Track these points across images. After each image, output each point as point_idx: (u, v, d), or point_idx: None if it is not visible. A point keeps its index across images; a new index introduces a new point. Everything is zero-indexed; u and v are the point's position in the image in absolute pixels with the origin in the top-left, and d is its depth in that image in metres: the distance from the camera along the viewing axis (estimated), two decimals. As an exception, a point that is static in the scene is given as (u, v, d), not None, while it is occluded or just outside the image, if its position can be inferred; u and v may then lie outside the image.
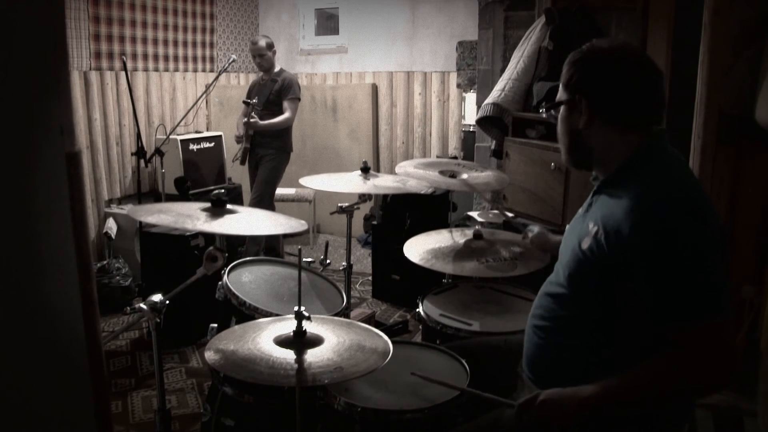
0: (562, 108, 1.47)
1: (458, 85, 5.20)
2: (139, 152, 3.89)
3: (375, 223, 4.40)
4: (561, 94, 1.47)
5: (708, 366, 1.22)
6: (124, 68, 4.01)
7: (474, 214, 3.71)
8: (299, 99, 4.50)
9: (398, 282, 4.00)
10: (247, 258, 2.35)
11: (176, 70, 5.20)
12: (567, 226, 1.59)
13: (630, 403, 1.30)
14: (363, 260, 4.88)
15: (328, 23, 5.93)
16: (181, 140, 4.63)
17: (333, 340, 1.51)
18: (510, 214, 3.05)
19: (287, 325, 1.54)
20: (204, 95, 4.66)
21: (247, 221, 1.95)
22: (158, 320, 1.69)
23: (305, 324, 1.50)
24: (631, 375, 1.27)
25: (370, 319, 3.47)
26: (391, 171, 4.82)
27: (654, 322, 1.26)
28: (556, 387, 1.37)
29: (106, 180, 4.60)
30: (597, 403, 1.28)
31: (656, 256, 1.23)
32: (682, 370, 1.23)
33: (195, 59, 5.40)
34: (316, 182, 2.52)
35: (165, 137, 4.14)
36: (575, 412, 1.30)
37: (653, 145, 1.38)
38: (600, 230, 1.33)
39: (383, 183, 2.54)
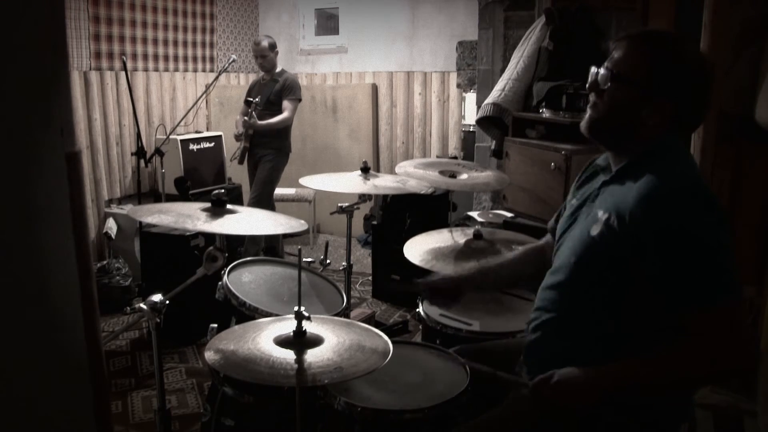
0: (624, 86, 1.35)
1: (458, 85, 5.20)
2: (139, 152, 3.89)
3: (375, 223, 4.40)
4: (634, 72, 1.34)
5: (725, 349, 1.22)
6: (124, 68, 4.01)
7: (474, 214, 3.71)
8: (300, 100, 4.50)
9: (398, 282, 4.00)
10: (247, 258, 2.35)
11: (176, 70, 5.20)
12: (561, 219, 1.59)
13: (645, 389, 1.30)
14: (363, 260, 4.88)
15: (328, 23, 5.93)
16: (181, 140, 4.63)
17: (333, 340, 1.51)
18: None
19: (287, 325, 1.54)
20: (204, 95, 4.66)
21: (247, 221, 1.95)
22: (158, 320, 1.69)
23: (305, 324, 1.50)
24: (648, 360, 1.27)
25: (370, 319, 3.47)
26: (391, 171, 4.82)
27: (668, 308, 1.26)
28: None
29: (106, 180, 4.60)
30: (612, 386, 1.28)
31: (670, 242, 1.24)
32: (698, 355, 1.24)
33: (195, 59, 5.40)
34: (316, 182, 2.52)
35: (165, 137, 4.14)
36: (589, 394, 1.30)
37: (669, 139, 1.38)
38: (612, 216, 1.33)
39: (383, 183, 2.54)
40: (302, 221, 1.98)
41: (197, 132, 5.05)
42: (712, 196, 1.31)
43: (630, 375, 1.28)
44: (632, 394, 1.32)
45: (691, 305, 1.24)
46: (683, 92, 1.34)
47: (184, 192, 3.74)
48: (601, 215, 1.37)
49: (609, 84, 1.37)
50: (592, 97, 1.43)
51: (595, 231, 1.36)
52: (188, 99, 5.29)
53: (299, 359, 1.41)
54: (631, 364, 1.28)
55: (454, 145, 5.33)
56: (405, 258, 2.20)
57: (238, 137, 4.44)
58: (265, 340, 1.50)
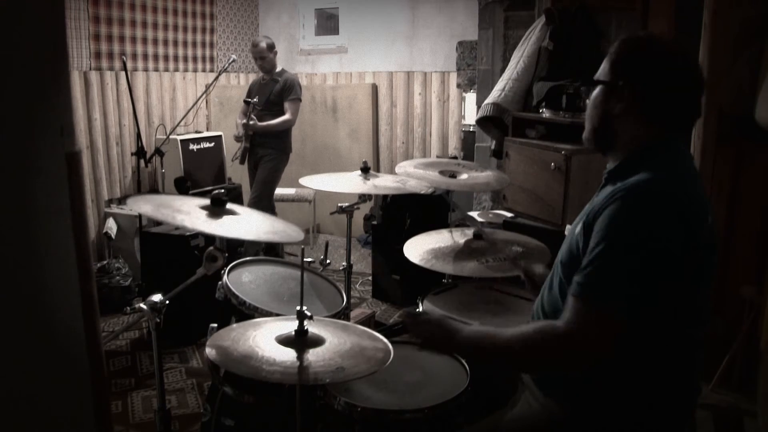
0: (599, 87, 1.41)
1: (458, 85, 5.20)
2: (139, 152, 3.89)
3: (375, 223, 4.40)
4: (604, 74, 1.40)
5: (586, 348, 1.22)
6: (124, 68, 4.01)
7: (474, 214, 3.71)
8: (300, 100, 4.50)
9: (398, 282, 4.00)
10: (247, 258, 2.35)
11: (176, 70, 5.20)
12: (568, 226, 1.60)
13: (499, 358, 1.34)
14: (363, 260, 4.88)
15: (328, 23, 5.93)
16: (181, 140, 4.63)
17: (333, 341, 1.51)
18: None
19: (287, 325, 1.54)
20: (204, 95, 4.66)
21: (245, 224, 1.94)
22: (158, 320, 1.69)
23: (306, 324, 1.50)
24: (510, 332, 1.30)
25: (370, 319, 3.47)
26: (391, 171, 4.82)
27: (566, 281, 1.29)
28: (557, 384, 1.37)
29: (106, 180, 4.60)
30: (468, 347, 1.36)
31: (607, 228, 1.23)
32: (561, 342, 1.23)
33: (195, 59, 5.40)
34: (316, 182, 2.51)
35: (165, 137, 4.14)
36: (447, 344, 1.41)
37: (666, 142, 1.36)
38: (588, 217, 1.33)
39: (383, 183, 2.54)
40: (299, 229, 1.97)
41: (197, 132, 5.05)
42: (691, 205, 1.26)
43: (486, 342, 1.33)
44: (485, 359, 1.40)
45: (581, 293, 1.23)
46: (642, 76, 1.35)
47: (184, 192, 3.75)
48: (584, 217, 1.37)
49: (591, 92, 1.44)
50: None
51: (577, 229, 1.38)
52: (188, 99, 5.29)
53: (300, 358, 1.41)
54: (490, 332, 1.33)
55: (454, 145, 5.33)
56: (405, 258, 2.20)
57: (238, 138, 4.44)
58: (265, 339, 1.50)
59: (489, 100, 3.45)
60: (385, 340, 1.56)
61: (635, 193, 1.25)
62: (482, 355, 1.37)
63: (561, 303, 1.43)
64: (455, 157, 4.84)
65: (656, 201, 1.23)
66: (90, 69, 4.40)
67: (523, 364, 1.37)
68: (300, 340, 1.48)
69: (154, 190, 4.86)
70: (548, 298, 1.48)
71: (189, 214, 1.86)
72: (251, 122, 4.26)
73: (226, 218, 1.90)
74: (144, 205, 1.82)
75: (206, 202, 1.94)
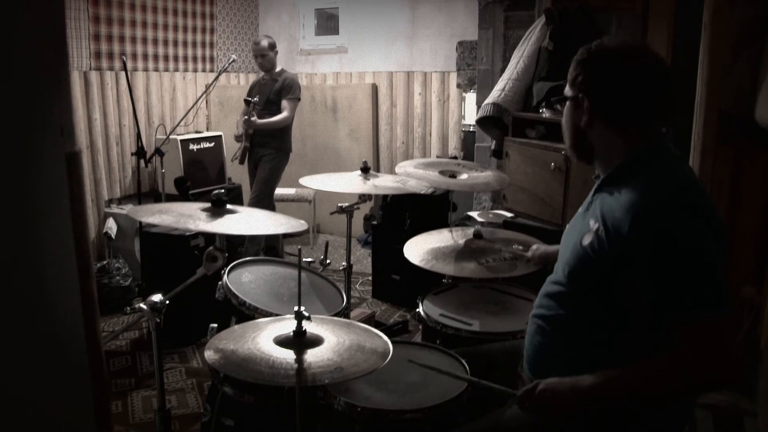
0: (567, 103, 1.47)
1: (458, 85, 5.20)
2: (139, 152, 3.89)
3: (375, 223, 4.40)
4: (567, 90, 1.47)
5: (707, 362, 1.21)
6: (124, 68, 4.01)
7: (474, 214, 3.71)
8: (299, 99, 4.51)
9: (398, 282, 4.00)
10: (247, 258, 2.35)
11: (176, 70, 5.20)
12: (567, 226, 1.59)
13: (629, 397, 1.29)
14: (363, 260, 4.88)
15: (328, 23, 5.94)
16: (181, 140, 4.63)
17: (333, 341, 1.51)
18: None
19: (287, 325, 1.54)
20: (204, 95, 4.66)
21: (247, 221, 1.95)
22: (158, 320, 1.69)
23: (305, 324, 1.50)
24: (633, 369, 1.27)
25: (370, 319, 3.47)
26: (391, 171, 4.82)
27: (656, 318, 1.26)
28: None
29: (106, 180, 4.60)
30: (596, 394, 1.28)
31: (655, 254, 1.23)
32: (682, 366, 1.23)
33: (195, 59, 5.39)
34: (316, 182, 2.52)
35: (165, 137, 4.14)
36: (574, 402, 1.30)
37: (655, 145, 1.38)
38: (601, 227, 1.33)
39: (383, 183, 2.54)
40: (302, 221, 1.98)
41: (197, 132, 5.05)
42: (703, 202, 1.30)
43: (613, 385, 1.27)
44: (615, 402, 1.31)
45: (674, 318, 1.23)
46: (594, 85, 1.39)
47: (184, 192, 3.74)
48: (593, 225, 1.37)
49: (562, 109, 1.50)
50: None
51: (586, 241, 1.37)
52: (188, 99, 5.29)
53: (299, 359, 1.41)
54: (614, 374, 1.27)
55: (454, 145, 5.33)
56: (405, 258, 2.20)
57: (238, 138, 4.45)
58: (265, 340, 1.50)
59: (489, 100, 3.45)
60: (385, 337, 1.56)
61: (651, 208, 1.26)
62: (612, 401, 1.31)
63: (561, 311, 1.43)
64: (455, 157, 4.84)
65: (685, 203, 1.26)
66: (90, 69, 4.40)
67: (664, 397, 1.33)
68: (298, 341, 1.48)
69: (153, 190, 4.87)
70: (546, 305, 1.48)
71: (191, 216, 1.86)
72: (252, 119, 4.26)
73: (228, 217, 1.90)
74: (149, 217, 1.83)
75: (206, 204, 1.95)
